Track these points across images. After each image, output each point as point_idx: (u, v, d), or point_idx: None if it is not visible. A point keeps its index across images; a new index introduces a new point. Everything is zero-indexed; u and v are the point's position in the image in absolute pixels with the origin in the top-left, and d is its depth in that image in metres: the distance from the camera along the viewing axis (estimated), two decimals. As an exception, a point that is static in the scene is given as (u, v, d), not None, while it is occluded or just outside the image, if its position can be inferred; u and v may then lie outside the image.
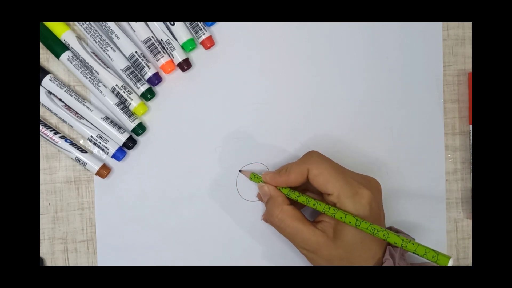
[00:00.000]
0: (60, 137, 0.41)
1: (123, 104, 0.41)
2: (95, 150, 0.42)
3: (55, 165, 0.42)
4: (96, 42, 0.40)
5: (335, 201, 0.36)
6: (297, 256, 0.43)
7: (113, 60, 0.41)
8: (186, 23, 0.42)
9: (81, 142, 0.42)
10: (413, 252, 0.33)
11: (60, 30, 0.40)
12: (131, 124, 0.41)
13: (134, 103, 0.41)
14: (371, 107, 0.44)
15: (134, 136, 0.42)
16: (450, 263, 0.31)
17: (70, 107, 0.41)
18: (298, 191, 0.39)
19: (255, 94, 0.43)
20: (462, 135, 0.46)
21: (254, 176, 0.41)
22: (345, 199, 0.36)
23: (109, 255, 0.42)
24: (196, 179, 0.43)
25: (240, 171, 0.43)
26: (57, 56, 0.41)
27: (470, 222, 0.46)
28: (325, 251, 0.36)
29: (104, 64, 0.41)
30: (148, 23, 0.41)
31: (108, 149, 0.41)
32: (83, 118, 0.41)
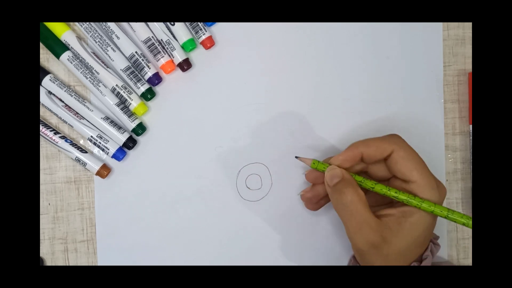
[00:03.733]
0: (60, 137, 0.41)
1: (123, 104, 0.41)
2: (95, 150, 0.42)
3: (55, 165, 0.42)
4: (96, 42, 0.40)
5: (416, 191, 0.34)
6: (297, 256, 0.43)
7: (113, 60, 0.41)
8: (186, 23, 0.42)
9: (81, 142, 0.42)
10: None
11: (60, 30, 0.40)
12: (131, 124, 0.41)
13: (134, 103, 0.41)
14: (371, 107, 0.44)
15: (134, 136, 0.42)
16: None
17: (70, 107, 0.41)
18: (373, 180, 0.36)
19: (255, 94, 0.43)
20: (462, 135, 0.46)
21: (317, 163, 0.37)
22: (430, 189, 0.34)
23: (109, 255, 0.42)
24: (196, 179, 0.43)
25: (296, 157, 0.39)
26: (57, 56, 0.41)
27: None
28: (386, 246, 0.33)
29: (104, 64, 0.41)
30: (148, 23, 0.41)
31: (108, 149, 0.41)
32: (83, 118, 0.41)
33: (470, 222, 0.34)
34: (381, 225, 0.34)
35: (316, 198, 0.39)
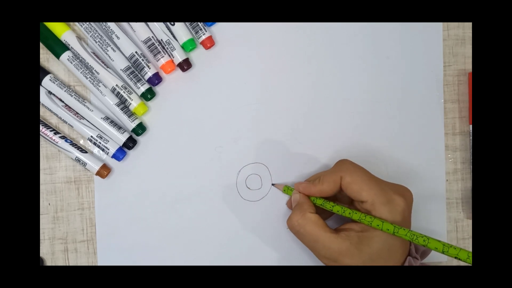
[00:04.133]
0: (60, 137, 0.41)
1: (123, 104, 0.41)
2: (95, 150, 0.42)
3: (55, 165, 0.42)
4: (96, 42, 0.40)
5: (370, 209, 0.36)
6: (297, 256, 0.43)
7: (113, 60, 0.41)
8: (186, 23, 0.42)
9: (81, 142, 0.42)
10: (455, 257, 0.32)
11: (60, 30, 0.40)
12: (131, 124, 0.41)
13: (134, 103, 0.41)
14: (371, 107, 0.44)
15: (134, 136, 0.42)
16: None
17: (70, 107, 0.41)
18: (332, 202, 0.39)
19: (255, 94, 0.43)
20: (462, 135, 0.46)
21: (287, 189, 0.42)
22: (380, 206, 0.36)
23: (109, 255, 0.42)
24: (196, 179, 0.43)
25: (273, 184, 0.43)
26: (57, 56, 0.41)
27: (470, 222, 0.46)
28: (347, 259, 0.35)
29: (104, 64, 0.41)
30: (148, 23, 0.41)
31: (108, 149, 0.41)
32: (83, 118, 0.41)
33: (415, 238, 0.34)
34: (337, 240, 0.36)
35: None
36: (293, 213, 0.38)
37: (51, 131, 0.41)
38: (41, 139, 0.41)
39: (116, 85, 0.41)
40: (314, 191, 0.39)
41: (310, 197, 0.39)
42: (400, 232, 0.34)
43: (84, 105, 0.41)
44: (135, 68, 0.41)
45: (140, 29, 0.41)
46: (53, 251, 0.42)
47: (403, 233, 0.34)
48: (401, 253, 0.36)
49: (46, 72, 0.41)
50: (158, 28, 0.41)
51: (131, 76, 0.41)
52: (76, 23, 0.41)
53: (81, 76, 0.40)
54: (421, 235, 0.34)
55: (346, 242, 0.35)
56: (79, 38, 0.41)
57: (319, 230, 0.36)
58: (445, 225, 0.45)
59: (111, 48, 0.40)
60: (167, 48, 0.41)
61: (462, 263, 0.46)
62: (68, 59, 0.40)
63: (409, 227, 0.38)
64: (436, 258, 0.45)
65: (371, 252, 0.35)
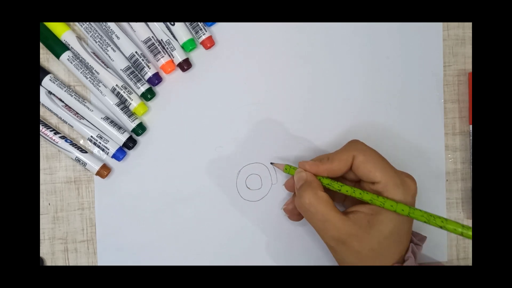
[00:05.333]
0: (60, 137, 0.41)
1: (123, 104, 0.41)
2: (95, 150, 0.42)
3: (55, 165, 0.42)
4: (96, 42, 0.40)
5: (381, 190, 0.35)
6: (297, 256, 0.43)
7: (113, 60, 0.41)
8: (186, 23, 0.42)
9: (81, 142, 0.42)
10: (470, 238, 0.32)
11: (60, 30, 0.40)
12: (131, 124, 0.41)
13: (134, 103, 0.41)
14: (371, 107, 0.44)
15: (134, 136, 0.42)
16: None
17: (70, 107, 0.41)
18: (340, 182, 0.37)
19: (255, 94, 0.43)
20: (462, 135, 0.46)
21: (289, 168, 0.39)
22: (394, 187, 0.35)
23: (109, 255, 0.42)
24: (196, 179, 0.43)
25: (272, 163, 0.42)
26: (57, 56, 0.41)
27: (470, 222, 0.46)
28: (355, 242, 0.34)
29: (104, 64, 0.41)
30: (148, 23, 0.41)
31: (108, 149, 0.41)
32: (83, 118, 0.41)
33: (432, 219, 0.33)
34: (347, 222, 0.35)
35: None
36: (302, 191, 0.36)
37: (51, 131, 0.41)
38: (41, 139, 0.41)
39: (116, 85, 0.41)
40: (322, 170, 0.37)
41: (317, 176, 0.37)
42: (416, 213, 0.33)
43: (84, 105, 0.41)
44: (135, 68, 0.41)
45: (140, 29, 0.41)
46: (53, 251, 0.42)
47: (419, 214, 0.33)
48: (407, 239, 0.36)
49: (46, 72, 0.41)
50: (158, 28, 0.41)
51: (131, 76, 0.41)
52: (76, 23, 0.41)
53: (81, 76, 0.40)
54: (438, 216, 0.33)
55: (355, 225, 0.34)
56: (79, 38, 0.41)
57: (331, 210, 0.35)
58: (445, 225, 0.45)
59: (111, 48, 0.40)
60: (167, 48, 0.41)
61: (462, 263, 0.46)
62: (68, 59, 0.40)
63: None
64: (436, 258, 0.45)
65: (380, 236, 0.34)
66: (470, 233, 0.32)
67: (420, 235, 0.39)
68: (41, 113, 0.42)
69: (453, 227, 0.33)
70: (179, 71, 0.43)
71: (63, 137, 0.41)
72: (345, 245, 0.35)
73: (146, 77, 0.41)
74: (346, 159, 0.36)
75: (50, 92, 0.41)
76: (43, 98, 0.40)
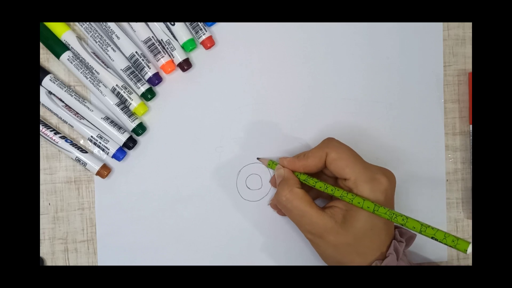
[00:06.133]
0: (60, 137, 0.41)
1: (123, 104, 0.41)
2: (95, 150, 0.42)
3: (55, 165, 0.42)
4: (96, 42, 0.40)
5: (352, 187, 0.36)
6: (297, 256, 0.43)
7: (113, 60, 0.41)
8: (186, 23, 0.42)
9: (81, 142, 0.42)
10: (432, 237, 0.32)
11: (60, 30, 0.40)
12: (131, 124, 0.41)
13: (134, 103, 0.41)
14: (371, 107, 0.44)
15: (134, 136, 0.42)
16: (469, 250, 0.31)
17: (70, 107, 0.41)
18: (315, 178, 0.39)
19: (255, 94, 0.43)
20: (462, 135, 0.46)
21: (272, 163, 0.41)
22: (363, 183, 0.36)
23: (109, 255, 0.42)
24: (196, 179, 0.43)
25: (258, 158, 0.43)
26: (57, 56, 0.41)
27: (470, 222, 0.46)
28: (331, 236, 0.36)
29: (104, 64, 0.41)
30: (148, 23, 0.41)
31: (109, 149, 0.41)
32: (83, 118, 0.41)
33: (394, 217, 0.34)
34: (323, 216, 0.36)
35: None
36: (280, 188, 0.38)
37: (51, 131, 0.41)
38: (41, 139, 0.41)
39: (116, 85, 0.41)
40: (298, 166, 0.39)
41: (294, 172, 0.39)
42: (380, 211, 0.34)
43: (84, 105, 0.41)
44: (135, 68, 0.41)
45: (140, 29, 0.41)
46: (53, 251, 0.42)
47: (382, 212, 0.34)
48: (385, 234, 0.37)
49: (46, 72, 0.41)
50: (158, 28, 0.41)
51: (131, 76, 0.41)
52: (76, 23, 0.41)
53: (81, 76, 0.40)
54: (400, 214, 0.34)
55: (331, 219, 0.36)
56: (79, 38, 0.41)
57: (306, 205, 0.36)
58: (445, 225, 0.45)
59: (111, 48, 0.40)
60: (167, 48, 0.41)
61: (462, 263, 0.46)
62: (68, 59, 0.40)
63: (392, 208, 0.38)
64: (436, 258, 0.45)
65: (355, 231, 0.36)
66: (431, 232, 0.32)
67: (410, 233, 0.39)
68: (41, 113, 0.42)
69: (412, 225, 0.33)
70: (179, 71, 0.43)
71: (63, 137, 0.41)
72: (322, 238, 0.36)
73: (146, 77, 0.41)
74: (320, 156, 0.38)
75: (50, 92, 0.41)
76: (43, 98, 0.40)
